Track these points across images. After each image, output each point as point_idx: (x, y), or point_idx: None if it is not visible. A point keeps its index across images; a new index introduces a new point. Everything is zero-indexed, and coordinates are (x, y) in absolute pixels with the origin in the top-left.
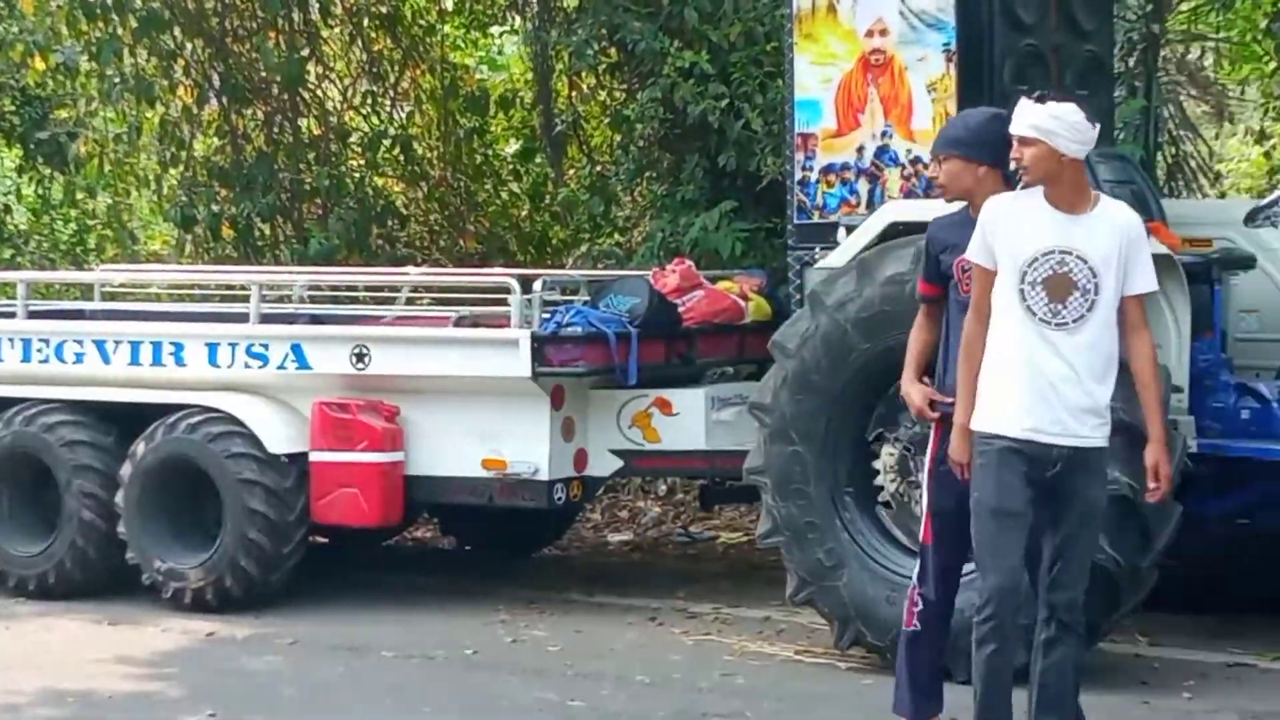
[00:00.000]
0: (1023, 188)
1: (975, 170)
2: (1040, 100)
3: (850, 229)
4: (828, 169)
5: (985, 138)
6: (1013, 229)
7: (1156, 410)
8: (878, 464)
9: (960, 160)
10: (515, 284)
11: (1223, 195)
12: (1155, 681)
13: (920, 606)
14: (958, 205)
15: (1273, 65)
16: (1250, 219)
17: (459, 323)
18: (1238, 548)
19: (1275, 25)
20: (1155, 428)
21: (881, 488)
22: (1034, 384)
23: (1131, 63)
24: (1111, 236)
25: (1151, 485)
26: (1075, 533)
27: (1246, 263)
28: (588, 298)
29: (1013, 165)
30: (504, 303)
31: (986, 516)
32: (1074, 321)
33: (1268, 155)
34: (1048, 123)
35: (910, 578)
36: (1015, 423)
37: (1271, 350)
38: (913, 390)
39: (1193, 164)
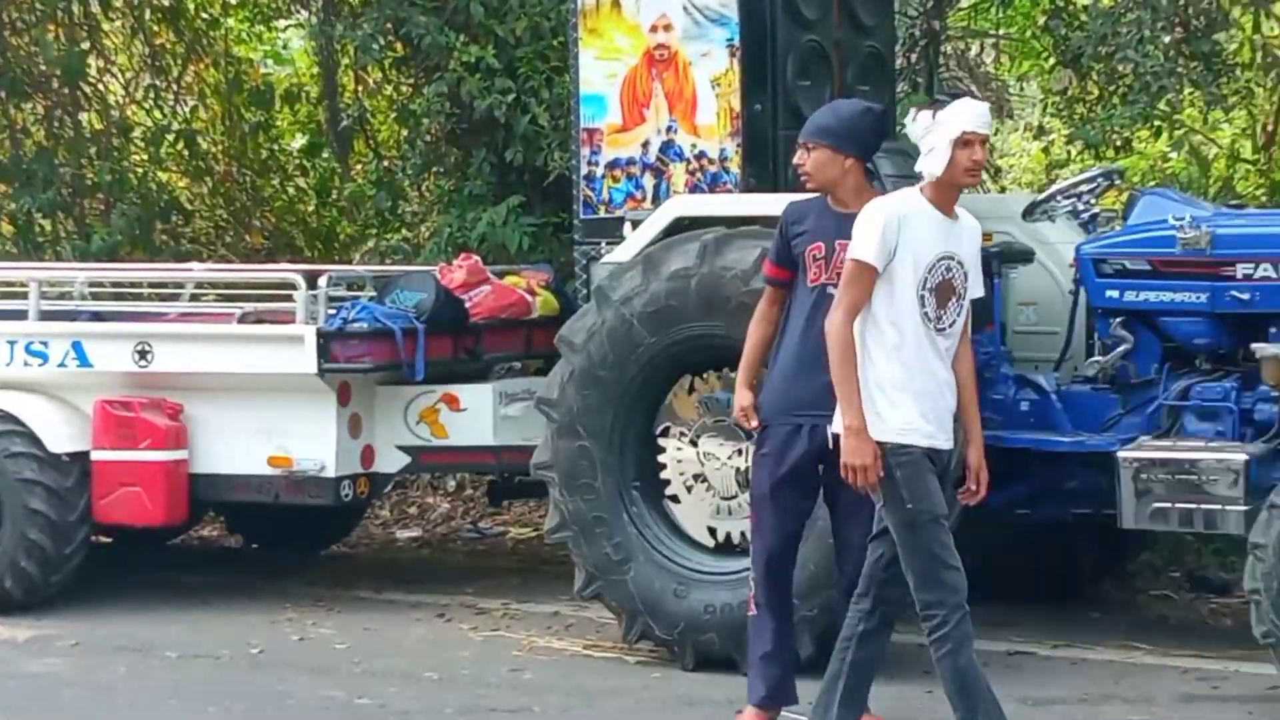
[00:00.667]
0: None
1: (842, 162)
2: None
3: (636, 224)
4: (613, 164)
5: (855, 130)
6: (914, 232)
7: (977, 413)
8: (664, 458)
9: (829, 150)
10: (300, 280)
11: (1003, 190)
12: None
13: (751, 589)
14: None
15: (1052, 61)
16: (1028, 213)
17: (243, 319)
18: (1019, 538)
19: (1053, 22)
20: (977, 431)
21: (669, 481)
22: (930, 390)
23: (913, 59)
24: (974, 241)
25: (973, 488)
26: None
27: (1025, 256)
28: (374, 293)
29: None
30: (289, 299)
31: (931, 525)
32: (949, 326)
33: (1046, 150)
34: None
35: (699, 571)
36: (926, 433)
37: (1049, 342)
38: (738, 397)
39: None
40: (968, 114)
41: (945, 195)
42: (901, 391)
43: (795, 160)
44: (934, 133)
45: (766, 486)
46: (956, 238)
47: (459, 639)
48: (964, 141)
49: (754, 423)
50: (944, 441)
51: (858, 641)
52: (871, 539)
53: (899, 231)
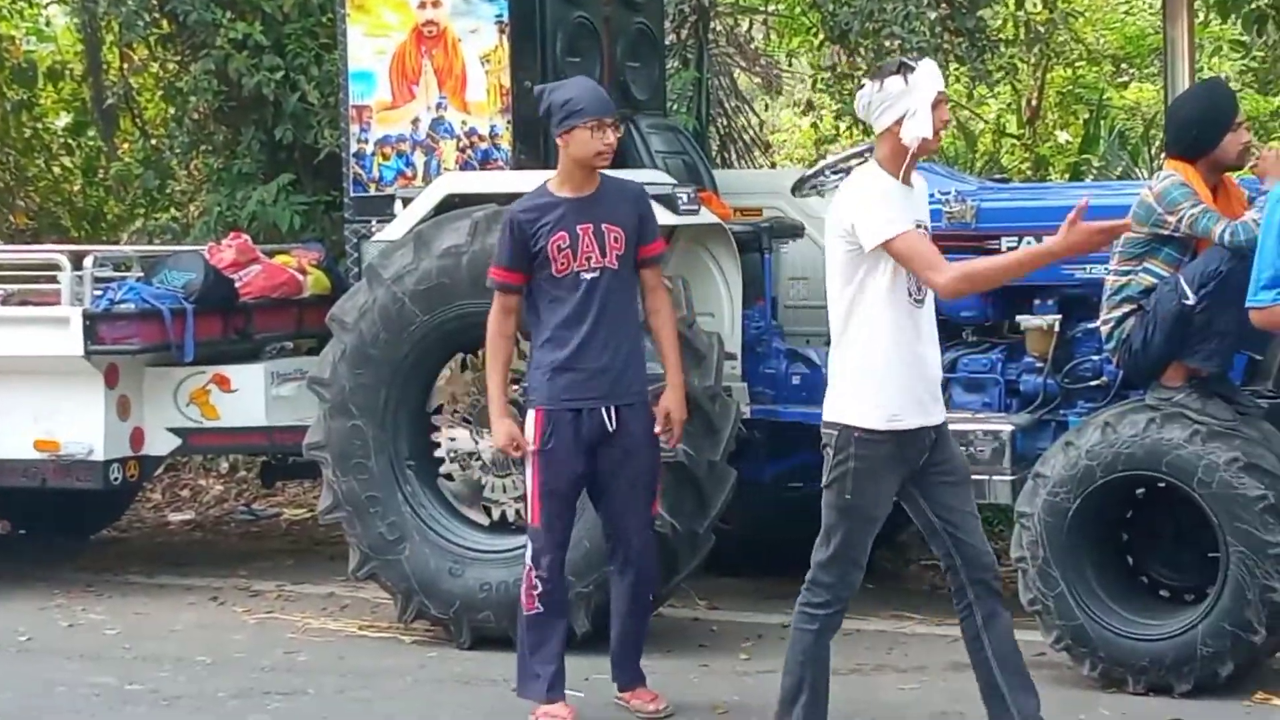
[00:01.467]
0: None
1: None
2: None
3: (407, 201)
4: (383, 141)
5: None
6: (894, 203)
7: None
8: (438, 436)
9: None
10: (65, 260)
11: (774, 165)
12: (714, 644)
13: (540, 588)
14: (523, 182)
15: (820, 38)
16: (797, 188)
17: (6, 301)
18: (791, 511)
19: None
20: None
21: (443, 460)
22: (913, 370)
23: (683, 35)
24: (927, 205)
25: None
26: (964, 500)
27: (795, 231)
28: (141, 274)
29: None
30: (54, 280)
31: (862, 521)
32: (925, 298)
33: (815, 126)
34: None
35: (473, 549)
36: (902, 417)
37: (821, 317)
38: (501, 427)
39: (746, 135)
40: (935, 73)
41: (910, 163)
42: (886, 372)
43: (611, 139)
44: (910, 96)
45: (564, 483)
46: (920, 205)
47: (233, 622)
48: (936, 102)
49: (520, 453)
50: (926, 418)
51: (986, 630)
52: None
53: (893, 202)
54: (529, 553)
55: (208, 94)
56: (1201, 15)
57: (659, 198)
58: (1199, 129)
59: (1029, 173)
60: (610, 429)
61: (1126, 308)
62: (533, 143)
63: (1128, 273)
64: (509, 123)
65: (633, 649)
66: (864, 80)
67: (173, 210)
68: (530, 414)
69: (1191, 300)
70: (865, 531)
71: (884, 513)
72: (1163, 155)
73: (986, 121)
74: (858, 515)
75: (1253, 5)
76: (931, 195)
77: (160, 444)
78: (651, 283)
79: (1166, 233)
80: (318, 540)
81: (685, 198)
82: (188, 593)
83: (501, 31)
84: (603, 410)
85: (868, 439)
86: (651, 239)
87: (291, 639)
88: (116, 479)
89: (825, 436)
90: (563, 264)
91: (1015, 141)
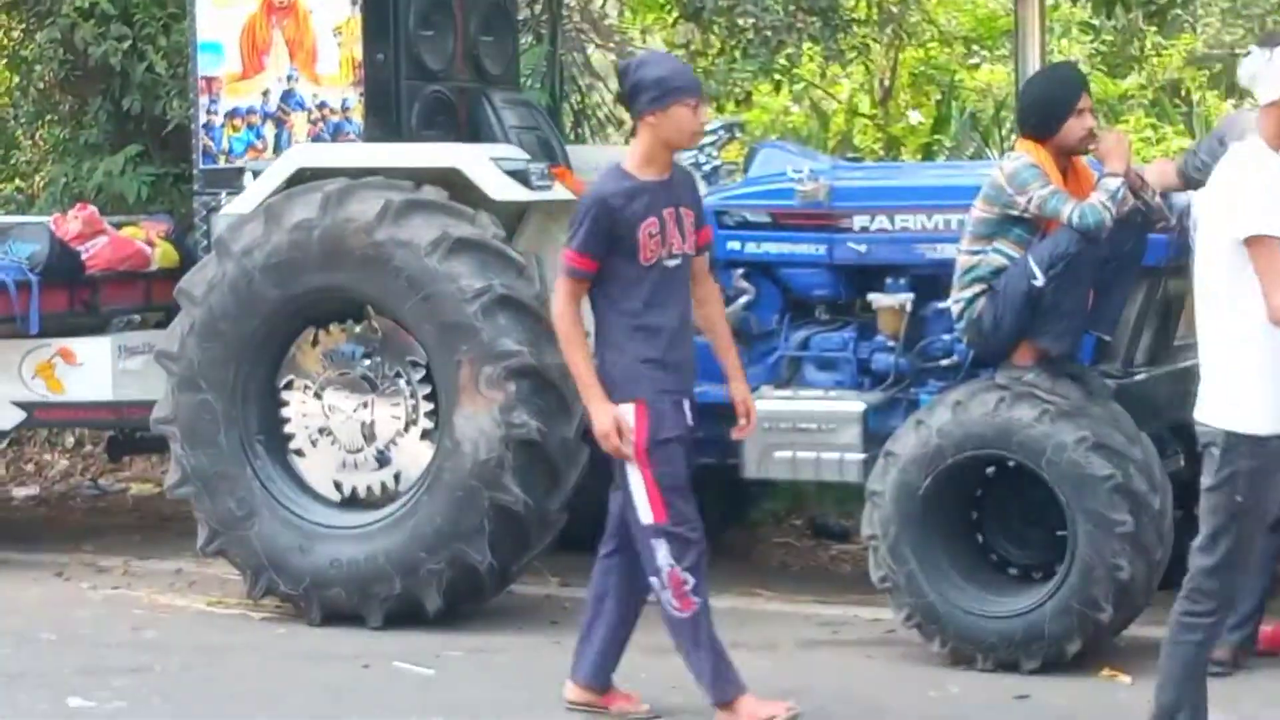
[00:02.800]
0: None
1: None
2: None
3: (257, 174)
4: (233, 113)
5: None
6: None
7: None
8: (288, 411)
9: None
10: None
11: (627, 142)
12: (565, 621)
13: (690, 583)
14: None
15: (675, 15)
16: None
17: None
18: None
19: None
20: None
21: (293, 435)
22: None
23: (537, 10)
24: None
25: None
26: None
27: None
28: None
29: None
30: None
31: (1254, 522)
32: None
33: None
34: None
35: (324, 525)
36: None
37: None
38: (605, 413)
39: (601, 112)
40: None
41: None
42: (1274, 370)
43: (705, 118)
44: None
45: (684, 474)
46: None
47: (78, 598)
48: None
49: (630, 443)
50: None
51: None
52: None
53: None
54: (663, 554)
55: (53, 63)
56: None
57: (512, 173)
58: (1044, 111)
59: (881, 152)
60: (690, 423)
61: (977, 288)
62: (385, 116)
63: (978, 252)
64: (361, 95)
65: (623, 645)
66: (1249, 48)
67: (17, 181)
68: (629, 408)
69: (1040, 281)
70: (1255, 533)
71: (1275, 512)
72: (1014, 136)
73: (839, 101)
74: (1250, 517)
75: None
76: (783, 174)
77: (4, 418)
78: (702, 271)
79: (1016, 213)
80: (165, 516)
81: (538, 173)
82: (32, 569)
83: (354, 3)
84: (685, 403)
85: (1261, 440)
86: (704, 224)
87: (139, 615)
88: None
89: (1208, 436)
90: (651, 251)
91: (868, 121)
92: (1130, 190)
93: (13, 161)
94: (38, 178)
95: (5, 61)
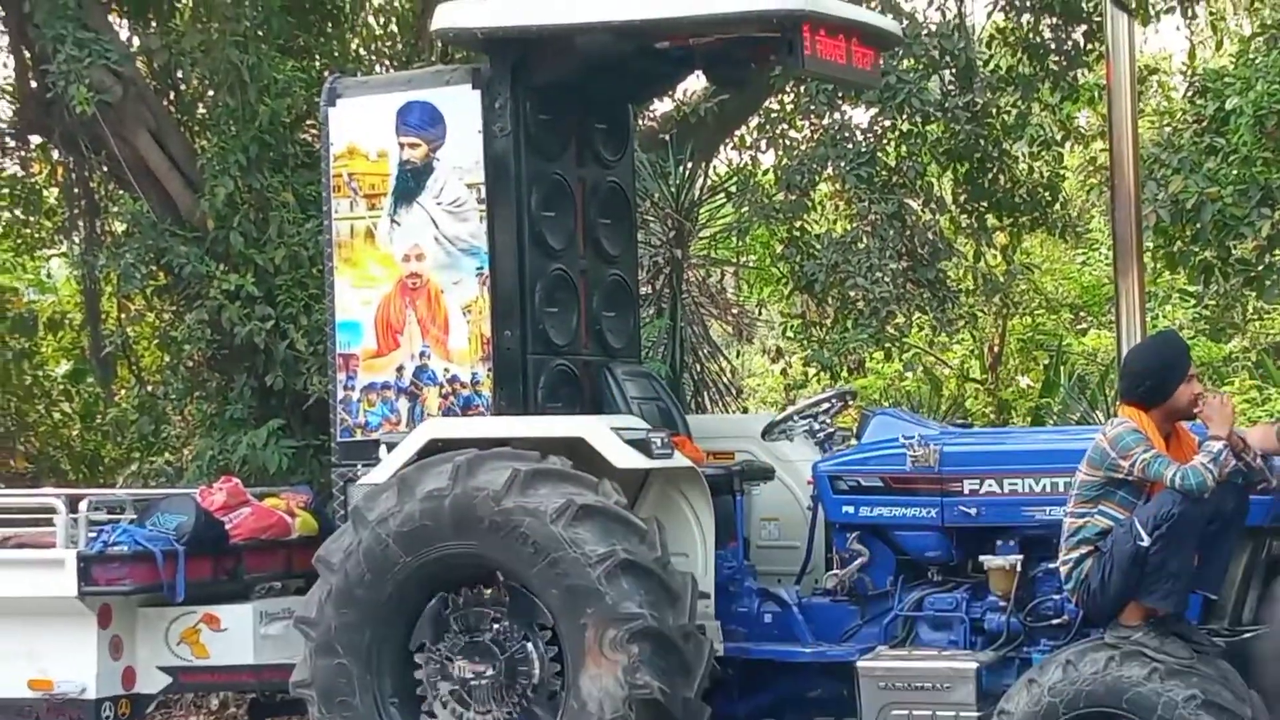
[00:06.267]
0: None
1: None
2: None
3: (391, 446)
4: (369, 388)
5: None
6: None
7: None
8: (420, 674)
9: None
10: (61, 504)
11: (745, 410)
12: None
13: None
14: None
15: (790, 287)
16: (767, 432)
17: (4, 544)
18: None
19: (789, 250)
20: None
21: (425, 698)
22: None
23: (658, 285)
24: None
25: None
26: None
27: (766, 474)
28: (135, 516)
29: None
30: (50, 523)
31: None
32: None
33: (784, 372)
34: None
35: None
36: None
37: (791, 556)
38: None
39: (724, 381)
40: None
41: None
42: None
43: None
44: None
45: None
46: None
47: None
48: None
49: None
50: None
51: None
52: None
53: None
54: None
55: (201, 342)
56: (1151, 267)
57: (633, 442)
58: (1152, 381)
59: (992, 416)
60: None
61: (1084, 549)
62: (512, 389)
63: (1084, 515)
64: (489, 370)
65: None
66: None
67: (167, 454)
68: None
69: (1146, 542)
70: None
71: None
72: (1117, 401)
73: (951, 367)
74: None
75: (1199, 257)
76: (895, 440)
77: (152, 682)
78: None
79: (1120, 476)
80: None
81: (659, 442)
82: None
83: (482, 283)
84: None
85: None
86: None
87: None
88: (109, 717)
89: None
90: None
91: (979, 386)
92: (1232, 452)
93: (164, 436)
94: (186, 451)
95: (157, 341)
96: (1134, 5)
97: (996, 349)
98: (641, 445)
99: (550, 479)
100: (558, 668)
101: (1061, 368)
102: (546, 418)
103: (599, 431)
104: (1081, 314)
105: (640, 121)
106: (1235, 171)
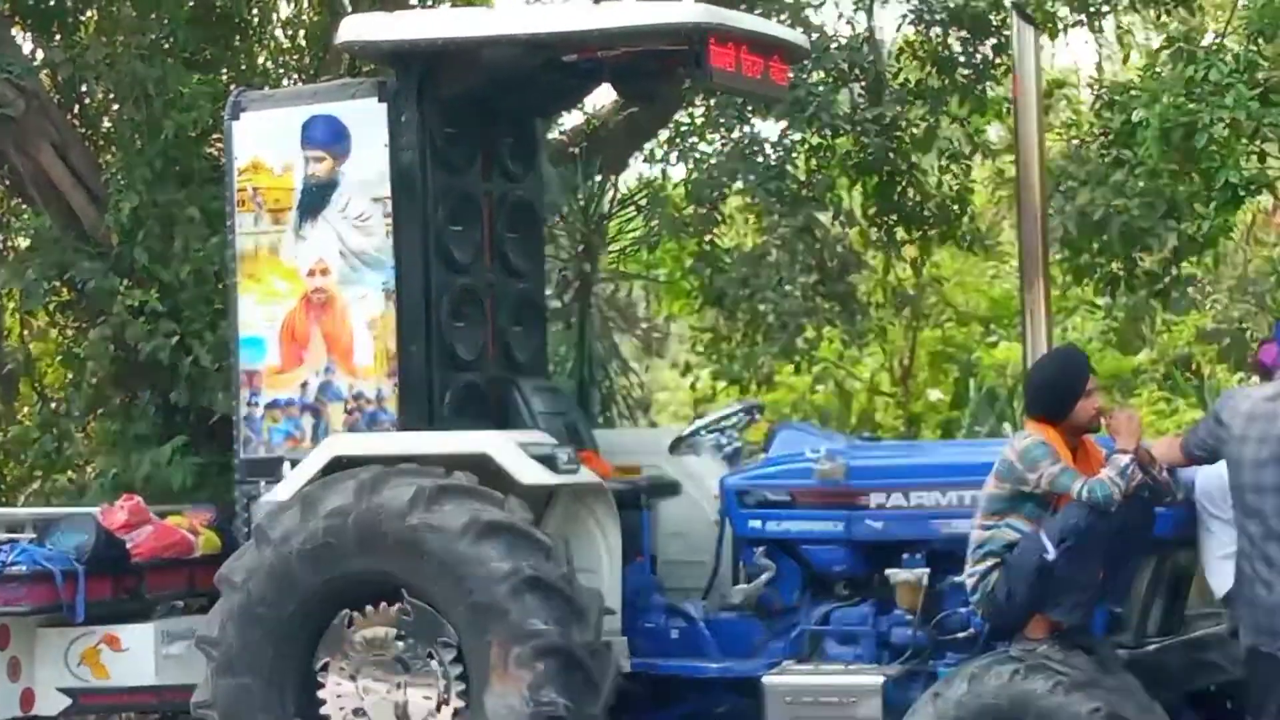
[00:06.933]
0: None
1: None
2: None
3: (295, 463)
4: (273, 404)
5: None
6: None
7: None
8: (324, 693)
9: None
10: None
11: (653, 425)
12: None
13: None
14: None
15: (699, 301)
16: (674, 447)
17: None
18: None
19: (699, 263)
20: None
21: (329, 716)
22: None
23: (567, 299)
24: None
25: None
26: None
27: (672, 489)
28: (34, 535)
29: None
30: None
31: None
32: None
33: (694, 386)
34: None
35: None
36: None
37: (698, 571)
38: None
39: (633, 396)
40: None
41: None
42: None
43: None
44: None
45: None
46: None
47: None
48: None
49: None
50: None
51: None
52: None
53: None
54: None
55: (105, 359)
56: (1059, 279)
57: (540, 458)
58: (1053, 395)
59: (904, 429)
60: None
61: (991, 561)
62: (418, 405)
63: (991, 527)
64: (395, 386)
65: None
66: None
67: (70, 472)
68: None
69: (1052, 555)
70: None
71: None
72: (1024, 415)
73: (862, 381)
74: None
75: (1106, 269)
76: (802, 454)
77: (51, 704)
78: None
79: (1028, 490)
80: None
81: (565, 458)
82: None
83: (388, 298)
84: None
85: None
86: None
87: None
88: None
89: None
90: None
91: (889, 400)
92: (1139, 466)
93: (67, 454)
94: (89, 469)
95: (60, 358)
96: (1040, 19)
97: (907, 362)
98: (548, 461)
99: (456, 495)
100: (463, 685)
101: (971, 381)
102: (452, 433)
103: (505, 447)
104: (991, 327)
105: (550, 134)
106: (1141, 184)
